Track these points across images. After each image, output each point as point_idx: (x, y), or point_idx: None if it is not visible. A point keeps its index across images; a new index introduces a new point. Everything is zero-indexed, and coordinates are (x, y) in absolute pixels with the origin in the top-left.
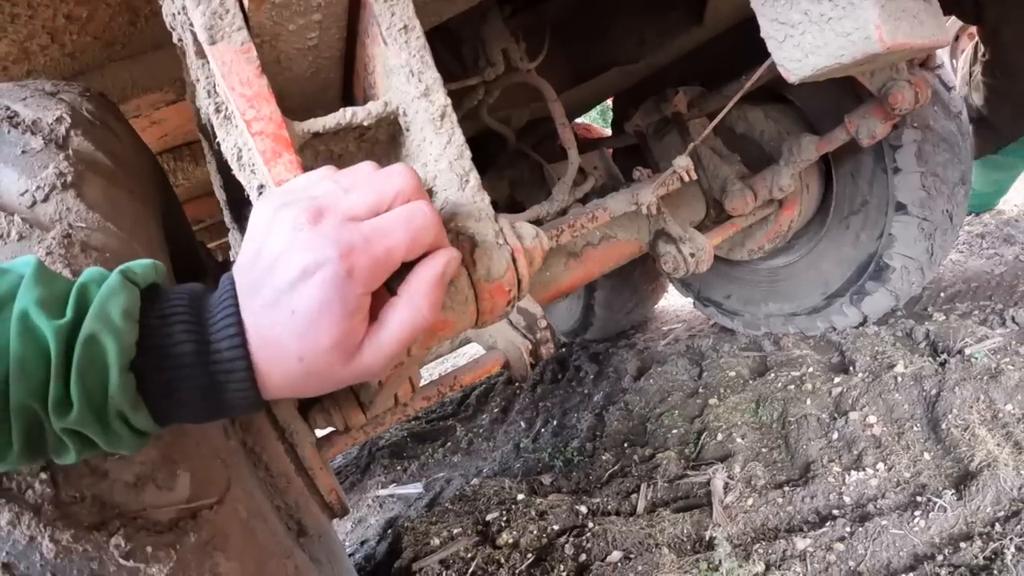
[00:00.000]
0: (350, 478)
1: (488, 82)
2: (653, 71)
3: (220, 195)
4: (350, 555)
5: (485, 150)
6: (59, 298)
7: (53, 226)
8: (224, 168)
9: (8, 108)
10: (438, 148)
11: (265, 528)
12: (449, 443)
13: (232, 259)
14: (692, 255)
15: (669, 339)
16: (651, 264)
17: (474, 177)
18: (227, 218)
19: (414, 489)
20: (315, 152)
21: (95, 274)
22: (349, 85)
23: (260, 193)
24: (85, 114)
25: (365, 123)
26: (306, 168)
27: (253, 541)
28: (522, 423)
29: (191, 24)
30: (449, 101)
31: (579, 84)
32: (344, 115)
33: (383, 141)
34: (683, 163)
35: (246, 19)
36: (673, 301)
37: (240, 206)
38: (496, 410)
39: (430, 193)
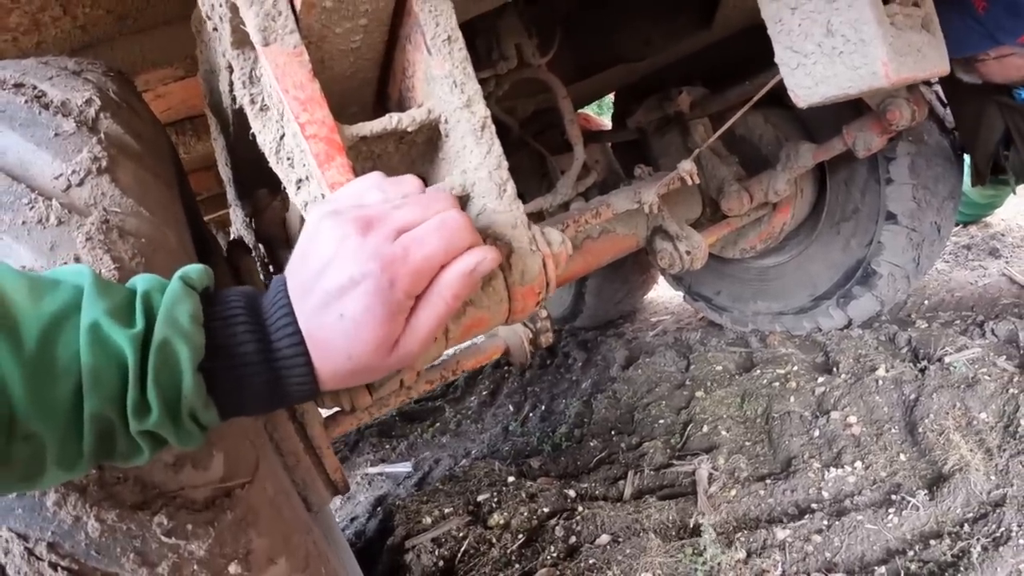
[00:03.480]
0: (339, 455)
1: (500, 75)
2: (657, 68)
3: (225, 173)
4: (340, 530)
5: None
6: (124, 307)
7: (89, 211)
8: (233, 148)
9: (36, 88)
10: (478, 157)
11: (289, 505)
12: (438, 424)
13: (233, 235)
14: (688, 252)
15: (658, 330)
16: (642, 256)
17: (511, 186)
18: (230, 194)
19: (403, 468)
20: (357, 153)
21: (154, 282)
22: (383, 85)
23: (299, 187)
24: (112, 96)
25: (409, 129)
26: (354, 170)
27: (279, 517)
28: (510, 407)
29: (231, 16)
30: (489, 112)
31: (584, 78)
32: (391, 121)
33: (420, 144)
34: (688, 167)
35: (296, 21)
36: (662, 293)
37: (244, 184)
38: (485, 393)
39: (467, 199)
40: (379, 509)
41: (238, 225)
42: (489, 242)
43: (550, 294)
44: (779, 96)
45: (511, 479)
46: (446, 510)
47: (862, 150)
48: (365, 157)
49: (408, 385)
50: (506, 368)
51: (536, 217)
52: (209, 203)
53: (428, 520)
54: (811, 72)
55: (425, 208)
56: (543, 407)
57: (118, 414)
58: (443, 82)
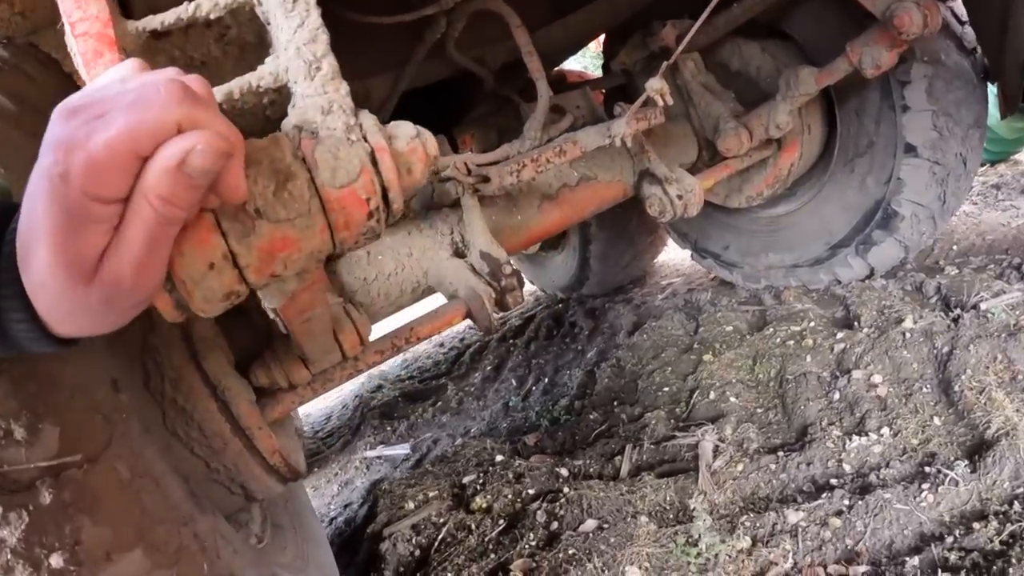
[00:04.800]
0: (342, 439)
1: (448, 11)
2: (642, 7)
3: None
4: (334, 518)
5: (466, 96)
6: None
7: None
8: None
9: None
10: (288, 33)
11: (155, 492)
12: (440, 402)
13: None
14: (679, 197)
15: (667, 293)
16: (648, 216)
17: (328, 64)
18: None
19: (401, 450)
20: (170, 58)
21: None
22: None
23: None
24: None
25: (212, 15)
26: None
27: (135, 505)
28: (513, 381)
29: None
30: None
31: (560, 19)
32: (186, 8)
33: (252, 44)
34: (656, 85)
35: None
36: (673, 255)
37: None
38: (489, 368)
39: (285, 90)
40: (370, 495)
41: None
42: (294, 133)
43: (395, 207)
44: (776, 26)
45: (500, 458)
46: (430, 494)
47: (870, 68)
48: (183, 63)
49: (353, 355)
50: (512, 341)
51: None
52: None
53: (411, 505)
54: None
55: (139, 89)
56: (546, 380)
57: None
58: None
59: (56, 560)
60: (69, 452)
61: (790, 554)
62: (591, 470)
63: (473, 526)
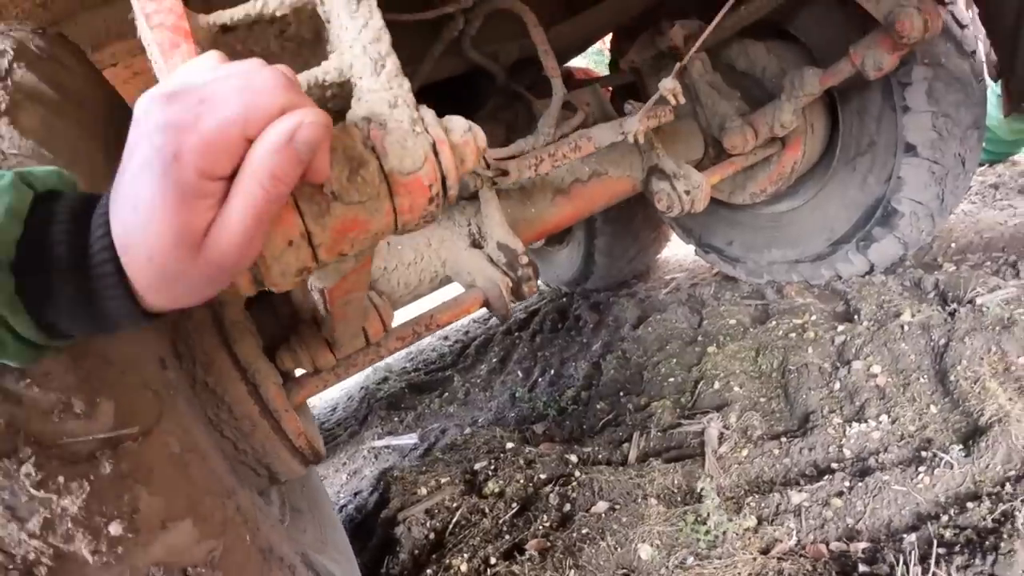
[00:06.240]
0: (349, 429)
1: (466, 10)
2: (652, 4)
3: None
4: (344, 506)
5: (476, 90)
6: None
7: None
8: None
9: None
10: (353, 32)
11: (202, 465)
12: (446, 393)
13: None
14: (687, 192)
15: (670, 288)
16: (653, 211)
17: (392, 62)
18: None
19: (409, 440)
20: (232, 51)
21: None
22: None
23: None
24: (32, 48)
25: (278, 13)
26: None
27: (185, 477)
28: (519, 373)
29: None
30: None
31: (571, 17)
32: (254, 5)
33: (309, 40)
34: (669, 85)
35: None
36: (676, 251)
37: None
38: (495, 360)
39: (348, 85)
40: (381, 482)
41: None
42: (362, 125)
43: (451, 192)
44: (782, 26)
45: (510, 445)
46: (442, 480)
47: (872, 70)
48: (244, 57)
49: (376, 341)
50: (517, 334)
51: None
52: None
53: (424, 491)
54: None
55: (244, 76)
56: (552, 371)
57: None
58: None
59: (115, 528)
60: (125, 425)
61: (794, 532)
62: (600, 456)
63: (487, 509)
